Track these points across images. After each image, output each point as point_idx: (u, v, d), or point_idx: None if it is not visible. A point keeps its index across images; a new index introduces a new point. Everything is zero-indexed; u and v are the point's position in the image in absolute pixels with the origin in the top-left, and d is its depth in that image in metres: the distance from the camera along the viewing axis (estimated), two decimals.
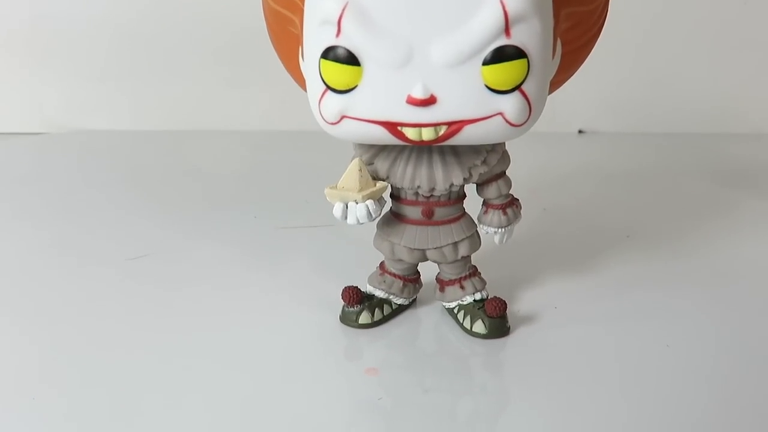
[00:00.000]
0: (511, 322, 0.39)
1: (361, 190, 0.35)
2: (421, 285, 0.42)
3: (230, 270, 0.47)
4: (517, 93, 0.31)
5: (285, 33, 0.36)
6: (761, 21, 0.83)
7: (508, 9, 0.30)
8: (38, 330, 0.40)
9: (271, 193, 0.64)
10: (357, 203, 0.35)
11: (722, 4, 0.83)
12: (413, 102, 0.31)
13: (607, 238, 0.52)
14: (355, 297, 0.39)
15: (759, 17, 0.83)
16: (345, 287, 0.39)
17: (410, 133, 0.32)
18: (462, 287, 0.39)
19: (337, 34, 0.31)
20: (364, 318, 0.39)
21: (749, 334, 0.39)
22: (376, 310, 0.39)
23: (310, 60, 0.33)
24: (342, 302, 0.39)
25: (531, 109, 0.32)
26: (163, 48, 0.86)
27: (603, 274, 0.46)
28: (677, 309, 0.42)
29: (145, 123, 0.89)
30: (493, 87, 0.31)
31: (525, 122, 0.33)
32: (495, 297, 0.38)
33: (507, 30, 0.30)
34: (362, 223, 0.36)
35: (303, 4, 0.33)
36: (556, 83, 0.36)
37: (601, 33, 0.37)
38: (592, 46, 0.37)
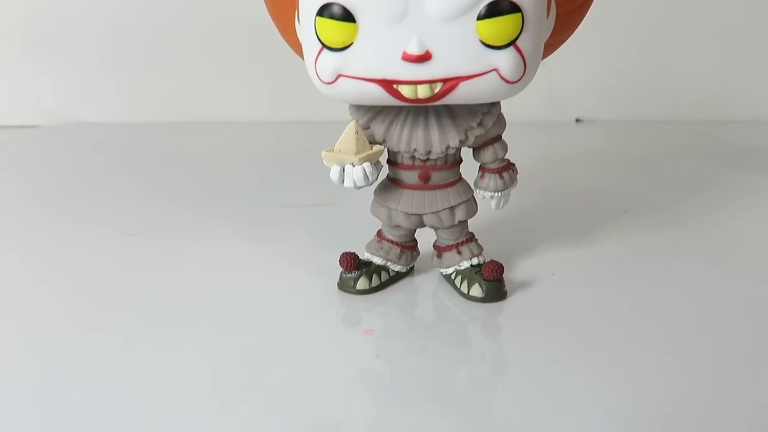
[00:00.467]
0: (508, 287, 0.39)
1: (357, 152, 0.35)
2: (418, 252, 0.42)
3: (229, 244, 0.48)
4: (511, 48, 0.32)
5: None
6: (760, 11, 0.84)
7: None
8: (40, 300, 0.40)
9: (267, 179, 0.64)
10: (354, 166, 0.35)
11: None
12: (409, 58, 0.31)
13: (605, 212, 0.52)
14: (352, 262, 0.39)
15: (758, 7, 0.84)
16: (343, 253, 0.39)
17: (406, 91, 0.32)
18: (459, 252, 0.39)
19: None
20: (362, 284, 0.39)
21: (741, 297, 0.39)
22: (374, 276, 0.39)
23: (305, 20, 0.33)
24: (340, 269, 0.39)
25: (526, 66, 0.32)
26: (158, 41, 0.87)
27: (600, 244, 0.46)
28: (673, 275, 0.42)
29: (140, 115, 0.89)
30: (488, 42, 0.31)
31: (520, 79, 0.33)
32: (492, 260, 0.38)
33: None
34: (359, 187, 0.36)
35: None
36: (551, 45, 0.36)
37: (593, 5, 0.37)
38: (586, 10, 0.37)
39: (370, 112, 0.36)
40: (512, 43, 0.31)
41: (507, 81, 0.32)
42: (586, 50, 0.80)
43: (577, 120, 0.90)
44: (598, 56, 0.85)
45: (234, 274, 0.43)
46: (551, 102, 0.89)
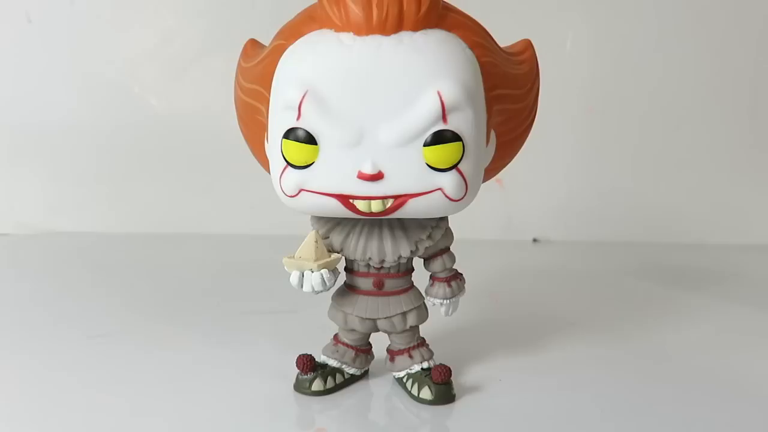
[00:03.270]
0: (456, 390, 0.41)
1: (316, 259, 0.38)
2: (372, 356, 0.44)
3: (190, 348, 0.49)
4: (454, 171, 0.36)
5: (253, 121, 0.40)
6: (704, 139, 0.91)
7: (444, 99, 0.35)
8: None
9: (234, 288, 0.66)
10: (312, 272, 0.38)
11: (658, 128, 0.92)
12: (363, 177, 0.36)
13: (553, 325, 0.55)
14: (308, 364, 0.41)
15: (702, 136, 0.91)
16: (299, 355, 0.41)
17: (361, 206, 0.36)
18: (410, 356, 0.42)
19: (298, 117, 0.35)
20: (317, 385, 0.41)
21: (676, 406, 0.42)
22: (329, 378, 0.41)
23: (273, 141, 0.37)
24: (297, 371, 0.41)
25: (467, 187, 0.37)
26: (135, 154, 0.90)
27: (546, 354, 0.49)
28: (613, 385, 0.44)
29: (113, 226, 0.91)
30: (433, 165, 0.36)
31: (462, 198, 0.37)
32: (441, 364, 0.40)
33: (444, 117, 0.35)
34: (317, 292, 0.38)
35: (269, 94, 0.38)
36: (493, 169, 0.41)
37: (532, 129, 0.42)
38: (524, 140, 0.42)
39: (329, 223, 0.40)
40: (455, 166, 0.36)
41: (451, 199, 0.36)
42: (542, 176, 0.87)
43: (534, 240, 0.95)
44: (553, 182, 0.91)
45: (191, 376, 0.44)
46: (510, 223, 0.94)
